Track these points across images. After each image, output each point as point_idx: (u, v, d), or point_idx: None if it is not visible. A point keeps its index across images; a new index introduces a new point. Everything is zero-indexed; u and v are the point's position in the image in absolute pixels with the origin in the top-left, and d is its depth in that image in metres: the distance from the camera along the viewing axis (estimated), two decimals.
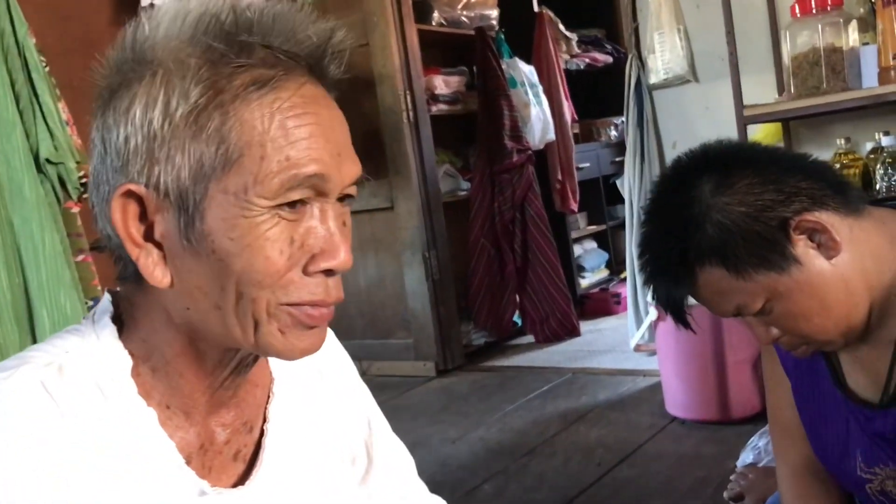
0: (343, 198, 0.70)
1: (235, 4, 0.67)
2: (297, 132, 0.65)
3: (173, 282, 0.67)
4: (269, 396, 0.81)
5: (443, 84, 4.03)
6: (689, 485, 2.22)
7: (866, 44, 2.31)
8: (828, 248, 0.93)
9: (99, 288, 2.06)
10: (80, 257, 2.04)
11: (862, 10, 2.37)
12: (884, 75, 2.22)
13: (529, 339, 4.23)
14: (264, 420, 0.80)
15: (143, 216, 0.67)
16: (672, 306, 1.01)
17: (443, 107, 4.03)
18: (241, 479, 0.77)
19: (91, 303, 2.04)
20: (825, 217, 0.92)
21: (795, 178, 0.94)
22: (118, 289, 0.75)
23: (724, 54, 2.60)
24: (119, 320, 0.72)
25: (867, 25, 2.33)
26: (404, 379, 3.69)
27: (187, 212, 0.65)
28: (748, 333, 2.62)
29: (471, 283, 4.10)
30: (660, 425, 2.71)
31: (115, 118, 0.66)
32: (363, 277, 3.89)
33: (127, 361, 0.70)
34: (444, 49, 4.27)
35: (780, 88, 2.68)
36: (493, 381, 3.57)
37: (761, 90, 2.68)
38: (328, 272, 0.68)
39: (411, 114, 3.69)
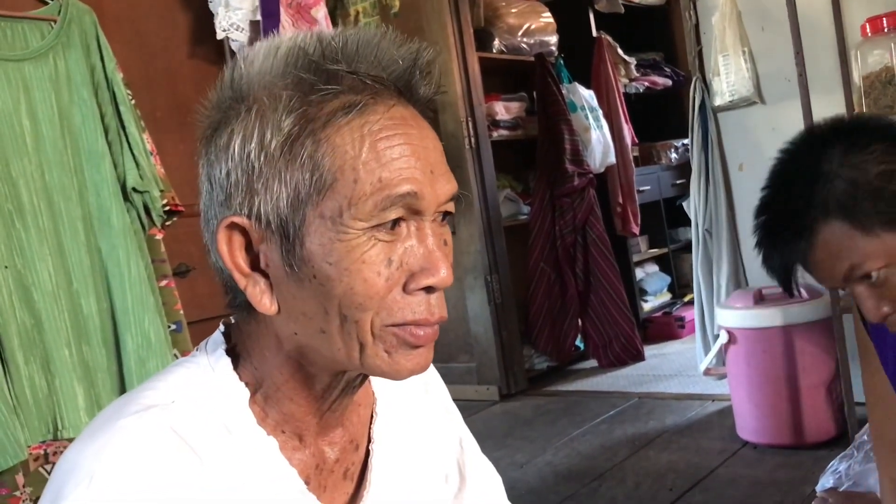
0: (442, 216, 0.71)
1: (322, 36, 0.69)
2: (388, 153, 0.66)
3: (280, 308, 0.69)
4: (372, 416, 0.83)
5: (503, 110, 4.07)
6: None
7: None
8: None
9: (181, 312, 2.13)
10: (164, 282, 2.11)
11: None
12: None
13: (592, 363, 4.20)
14: (369, 440, 0.81)
15: (249, 247, 0.69)
16: (783, 268, 1.00)
17: (503, 132, 4.06)
18: (352, 499, 0.79)
19: (173, 326, 2.10)
20: None
21: None
22: (231, 319, 0.77)
23: (789, 75, 2.58)
24: (232, 351, 0.74)
25: None
26: (468, 403, 3.69)
27: (288, 239, 0.67)
28: (821, 356, 2.57)
29: (531, 307, 4.10)
30: (731, 450, 2.67)
31: (216, 154, 0.69)
32: None
33: (244, 393, 0.72)
34: (504, 75, 4.32)
35: (850, 108, 2.65)
36: (557, 406, 3.55)
37: (829, 111, 2.64)
38: (429, 289, 0.69)
39: (473, 140, 3.73)
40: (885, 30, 2.29)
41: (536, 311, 4.08)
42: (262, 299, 0.69)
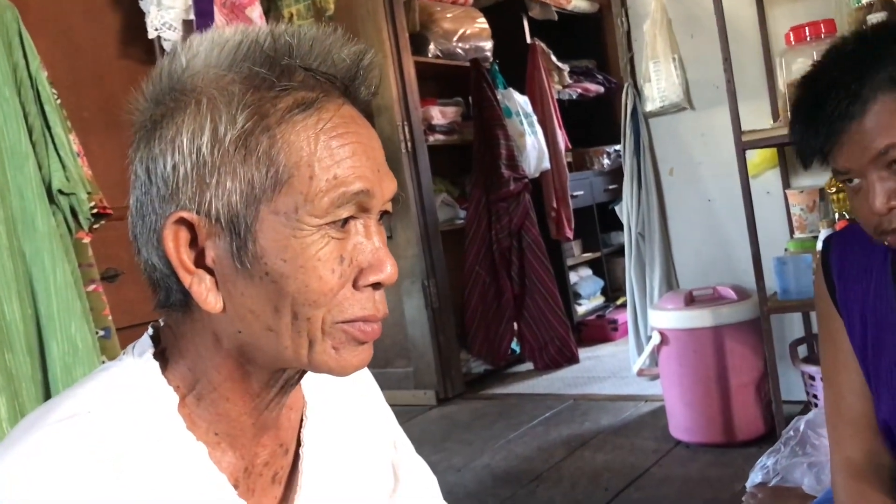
0: (380, 215, 0.72)
1: (274, 30, 0.69)
2: (342, 151, 0.67)
3: (225, 306, 0.68)
4: (302, 420, 0.82)
5: (439, 115, 4.08)
6: None
7: None
8: None
9: (110, 318, 2.06)
10: (91, 287, 2.04)
11: None
12: None
13: (528, 366, 4.24)
14: (299, 444, 0.80)
15: (193, 243, 0.68)
16: (821, 144, 0.99)
17: (440, 137, 4.07)
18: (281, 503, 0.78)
19: (102, 332, 2.04)
20: None
21: None
22: (160, 321, 0.75)
23: (718, 82, 2.65)
24: (161, 354, 0.72)
25: None
26: (405, 408, 3.68)
27: (240, 235, 0.66)
28: (750, 356, 2.62)
29: (466, 311, 4.11)
30: (665, 449, 2.72)
31: (160, 148, 0.67)
32: None
33: (173, 397, 0.70)
34: (439, 80, 4.33)
35: (775, 114, 2.73)
36: (494, 409, 3.57)
37: (757, 116, 2.74)
38: (376, 286, 0.70)
39: (409, 144, 3.73)
40: (808, 38, 2.37)
41: (472, 316, 4.09)
42: (208, 297, 0.68)
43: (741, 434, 2.63)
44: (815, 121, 0.97)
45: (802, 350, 2.82)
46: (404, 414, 3.59)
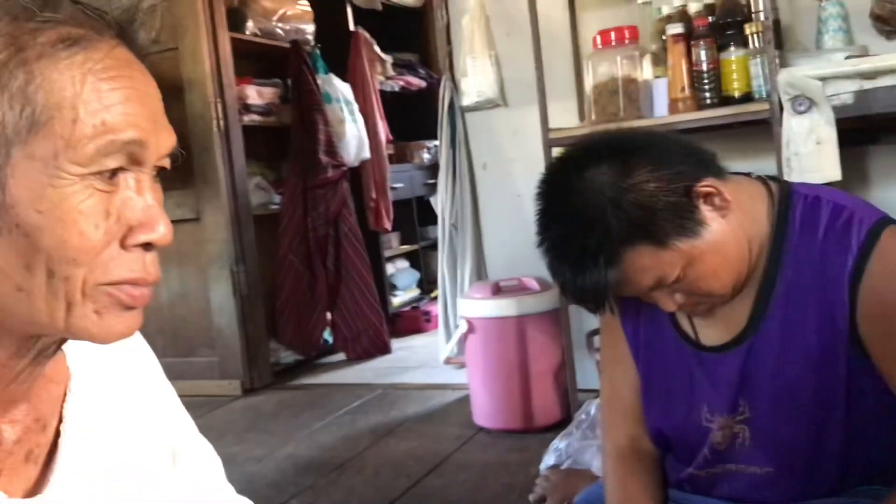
0: (155, 172, 0.66)
1: None
2: (113, 96, 0.61)
3: None
4: (65, 394, 0.74)
5: (256, 94, 3.95)
6: (495, 491, 2.27)
7: (659, 77, 2.51)
8: (721, 208, 1.02)
9: None
10: None
11: (655, 46, 2.57)
12: (673, 106, 2.43)
13: (341, 356, 4.20)
14: (60, 420, 0.73)
15: None
16: (599, 296, 1.04)
17: (255, 117, 3.94)
18: (37, 485, 0.70)
19: None
20: (713, 182, 1.02)
21: (677, 154, 1.03)
22: None
23: (531, 81, 2.72)
24: None
25: (659, 60, 2.53)
26: (208, 399, 3.53)
27: None
28: (550, 345, 2.72)
29: (277, 299, 4.01)
30: (467, 436, 2.77)
31: None
32: (165, 292, 3.70)
33: None
34: (258, 60, 4.20)
35: (582, 115, 2.85)
36: (302, 400, 3.50)
37: (565, 116, 2.84)
38: (147, 246, 0.64)
39: (222, 122, 3.58)
40: (613, 43, 2.48)
41: (283, 304, 4.00)
42: None
43: (539, 420, 2.72)
44: (583, 284, 1.02)
45: (598, 340, 2.96)
46: (207, 405, 3.44)
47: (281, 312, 4.00)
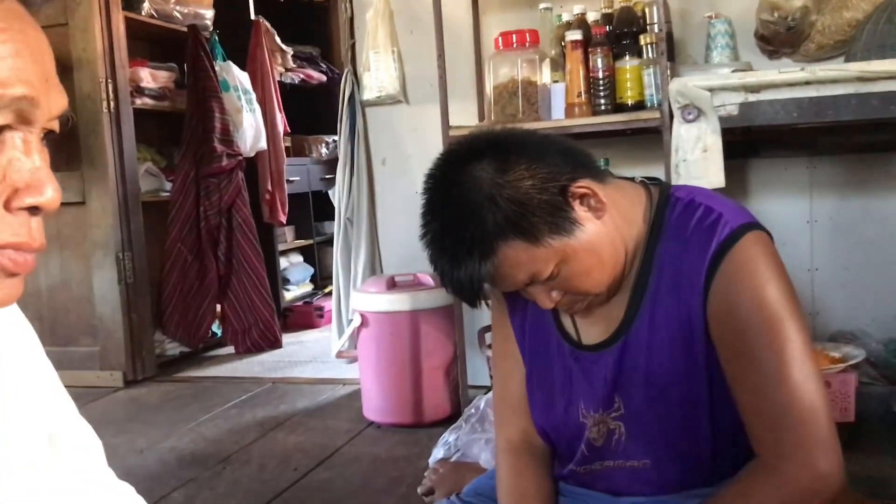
0: (43, 135, 0.64)
1: None
2: (2, 49, 0.58)
3: None
4: None
5: (150, 77, 3.82)
6: (383, 484, 2.27)
7: (557, 81, 2.57)
8: (597, 209, 1.05)
9: None
10: None
11: (554, 51, 2.63)
12: (569, 110, 2.49)
13: (230, 349, 4.12)
14: None
15: None
16: (473, 289, 1.04)
17: (148, 101, 3.81)
18: None
19: None
20: (589, 183, 1.04)
21: (556, 154, 1.05)
22: None
23: (433, 79, 2.74)
24: None
25: (558, 65, 2.60)
26: (88, 390, 3.40)
27: None
28: (443, 340, 2.75)
29: (164, 289, 3.89)
30: (357, 430, 2.76)
31: None
32: (44, 277, 3.54)
33: None
34: (153, 42, 4.07)
35: (482, 114, 2.89)
36: (187, 392, 3.41)
37: (465, 115, 2.87)
38: (33, 210, 0.61)
39: (112, 104, 3.45)
40: (514, 45, 2.53)
41: (170, 294, 3.88)
42: None
43: (430, 415, 2.74)
44: (459, 277, 1.04)
45: (489, 337, 3.00)
46: (87, 396, 3.31)
47: (167, 302, 3.88)
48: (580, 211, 1.04)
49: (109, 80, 3.43)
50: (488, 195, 1.00)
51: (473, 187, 1.01)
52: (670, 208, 1.10)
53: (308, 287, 4.98)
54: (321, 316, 4.57)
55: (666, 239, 1.09)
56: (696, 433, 1.10)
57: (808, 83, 1.85)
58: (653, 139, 2.45)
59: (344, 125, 3.21)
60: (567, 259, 1.03)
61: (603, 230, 1.05)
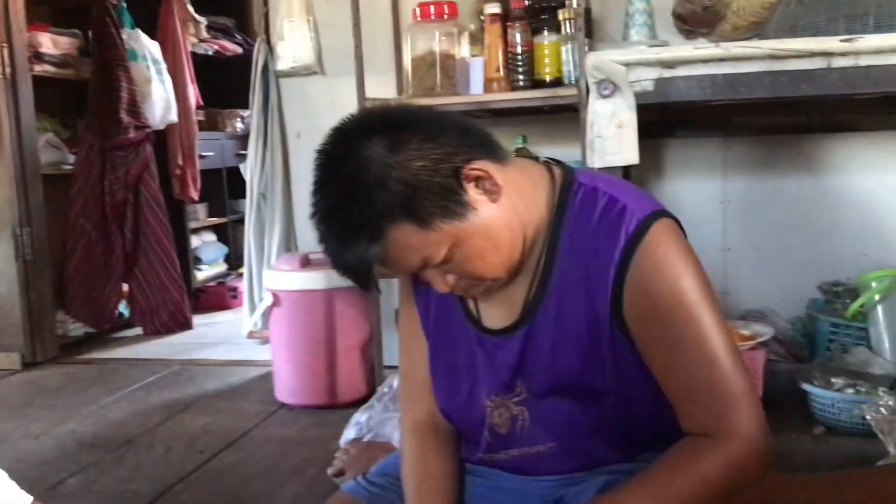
0: None
1: None
2: None
3: None
4: None
5: (51, 43, 3.62)
6: (293, 466, 2.21)
7: (475, 56, 2.53)
8: (492, 192, 1.00)
9: None
10: None
11: (473, 25, 2.58)
12: (488, 85, 2.45)
13: (137, 331, 3.97)
14: None
15: None
16: (362, 272, 0.99)
17: (49, 68, 3.61)
18: None
19: None
20: (485, 165, 0.99)
21: (452, 134, 0.99)
22: None
23: (350, 50, 2.66)
24: None
25: (477, 39, 2.55)
26: None
27: None
28: (359, 320, 2.70)
29: (67, 267, 3.71)
30: (267, 412, 2.68)
31: None
32: None
33: None
34: (55, 7, 3.87)
35: (401, 88, 2.82)
36: (90, 374, 3.26)
37: (384, 88, 2.80)
38: None
39: (8, 70, 3.25)
40: (433, 17, 2.47)
41: (73, 273, 3.70)
42: None
43: (344, 396, 2.68)
44: (348, 258, 0.98)
45: None
46: None
47: (71, 281, 3.70)
48: (474, 194, 0.99)
49: (5, 45, 3.23)
50: (377, 176, 0.95)
51: (362, 166, 0.96)
52: (573, 194, 1.07)
53: (222, 267, 4.83)
54: (235, 297, 4.45)
55: (569, 225, 1.06)
56: (602, 416, 1.08)
57: (722, 60, 1.84)
58: (570, 117, 2.43)
59: (257, 97, 3.10)
60: (460, 243, 0.99)
61: (498, 213, 1.01)
